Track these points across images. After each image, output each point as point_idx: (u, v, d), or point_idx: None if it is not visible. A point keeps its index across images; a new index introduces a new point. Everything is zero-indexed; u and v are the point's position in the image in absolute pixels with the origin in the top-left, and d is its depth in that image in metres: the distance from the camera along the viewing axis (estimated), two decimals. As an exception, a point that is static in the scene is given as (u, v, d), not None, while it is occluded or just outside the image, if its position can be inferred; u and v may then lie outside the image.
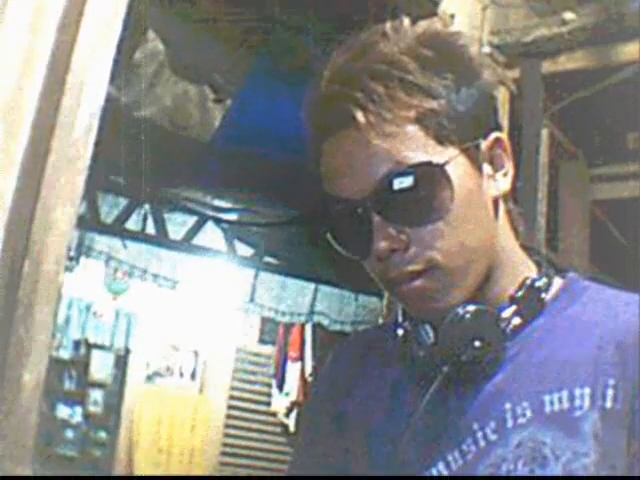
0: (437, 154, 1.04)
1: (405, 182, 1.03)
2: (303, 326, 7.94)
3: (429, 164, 1.03)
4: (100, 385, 7.62)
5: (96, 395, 7.59)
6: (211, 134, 3.91)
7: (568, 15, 2.90)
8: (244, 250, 7.17)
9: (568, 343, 1.06)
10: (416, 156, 1.03)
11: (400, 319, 1.13)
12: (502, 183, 1.10)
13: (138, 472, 7.54)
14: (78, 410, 7.46)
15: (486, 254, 1.08)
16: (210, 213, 6.11)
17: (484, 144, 1.08)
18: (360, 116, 1.02)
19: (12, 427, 1.77)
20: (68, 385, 7.52)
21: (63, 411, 7.37)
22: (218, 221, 6.48)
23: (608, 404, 1.01)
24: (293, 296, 8.02)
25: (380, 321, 2.84)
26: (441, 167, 1.03)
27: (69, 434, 7.35)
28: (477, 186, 1.07)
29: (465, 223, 1.05)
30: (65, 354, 7.37)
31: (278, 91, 4.02)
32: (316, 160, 1.11)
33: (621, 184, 3.66)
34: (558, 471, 1.00)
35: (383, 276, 1.08)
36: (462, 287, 1.06)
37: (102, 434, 7.59)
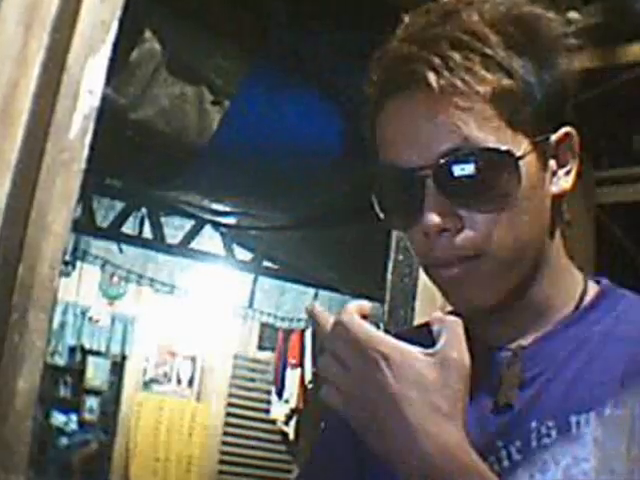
0: (508, 141, 1.01)
1: (472, 163, 1.00)
2: (303, 332, 7.93)
3: (501, 151, 1.00)
4: (96, 392, 7.61)
5: (92, 402, 7.57)
6: (209, 136, 3.91)
7: (573, 15, 2.90)
8: (243, 254, 7.17)
9: (597, 361, 1.04)
10: (486, 138, 1.00)
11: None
12: (563, 181, 1.07)
13: (135, 480, 7.54)
14: (73, 417, 7.45)
15: (535, 252, 1.06)
16: (208, 217, 6.12)
17: (553, 138, 1.05)
18: (433, 79, 0.98)
19: (6, 434, 1.76)
20: (63, 392, 7.51)
21: (58, 418, 7.36)
22: (216, 225, 6.49)
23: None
24: (292, 301, 8.02)
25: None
26: (516, 159, 1.00)
27: (64, 441, 7.34)
28: (541, 181, 1.04)
29: (523, 217, 1.02)
30: (60, 360, 7.36)
31: (278, 92, 4.02)
32: (372, 122, 1.07)
33: (627, 187, 3.65)
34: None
35: (425, 254, 1.05)
36: (506, 280, 1.04)
37: (98, 442, 7.58)
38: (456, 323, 0.95)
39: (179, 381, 7.98)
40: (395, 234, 2.76)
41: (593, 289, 1.11)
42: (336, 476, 1.19)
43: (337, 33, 3.72)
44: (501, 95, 1.00)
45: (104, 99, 1.95)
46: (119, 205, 6.56)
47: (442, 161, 1.00)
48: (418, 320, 2.63)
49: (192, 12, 3.77)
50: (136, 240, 6.73)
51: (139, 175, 4.54)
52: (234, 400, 8.20)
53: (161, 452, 7.73)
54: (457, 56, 0.99)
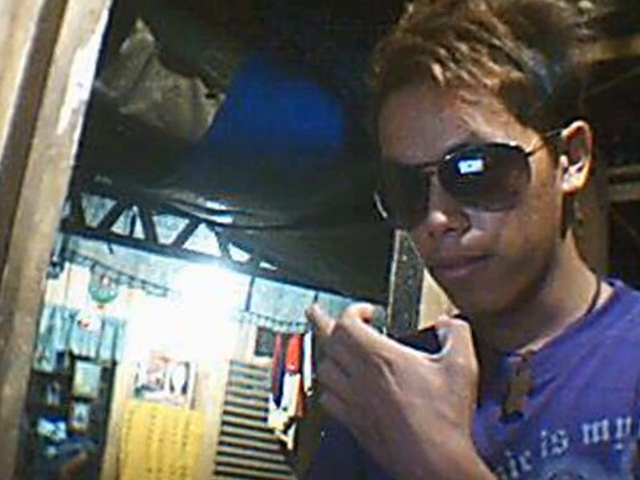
0: (518, 136, 1.00)
1: (480, 160, 1.00)
2: (302, 336, 7.94)
3: (510, 147, 1.00)
4: (85, 399, 7.62)
5: (81, 410, 7.59)
6: (204, 131, 3.91)
7: (585, 4, 2.90)
8: (239, 255, 7.18)
9: (611, 367, 1.03)
10: (494, 133, 0.99)
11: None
12: (575, 178, 1.07)
13: (126, 492, 7.55)
14: (62, 426, 7.45)
15: (545, 252, 1.05)
16: (203, 216, 6.12)
17: (565, 133, 1.05)
18: (438, 72, 0.98)
19: (-9, 444, 1.76)
20: (51, 399, 7.52)
21: (46, 427, 7.37)
22: (211, 224, 6.49)
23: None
24: (291, 304, 8.02)
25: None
26: (525, 155, 1.00)
27: (52, 451, 7.35)
28: (552, 179, 1.04)
29: (532, 216, 1.02)
30: (48, 366, 7.37)
31: (276, 85, 4.02)
32: (375, 116, 1.07)
33: (641, 185, 3.65)
34: None
35: (430, 254, 1.05)
36: (515, 282, 1.04)
37: (87, 452, 7.59)
38: (463, 327, 0.95)
39: (172, 388, 7.99)
40: (399, 234, 2.76)
41: (606, 291, 1.11)
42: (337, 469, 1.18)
43: (338, 23, 3.72)
44: (510, 88, 0.99)
45: (94, 92, 1.95)
46: (109, 203, 6.56)
47: (448, 157, 1.00)
48: (423, 324, 2.63)
49: (186, 1, 3.77)
50: (127, 240, 6.73)
51: (130, 172, 4.55)
52: (230, 408, 8.21)
53: (153, 462, 7.73)
54: (464, 47, 0.98)
